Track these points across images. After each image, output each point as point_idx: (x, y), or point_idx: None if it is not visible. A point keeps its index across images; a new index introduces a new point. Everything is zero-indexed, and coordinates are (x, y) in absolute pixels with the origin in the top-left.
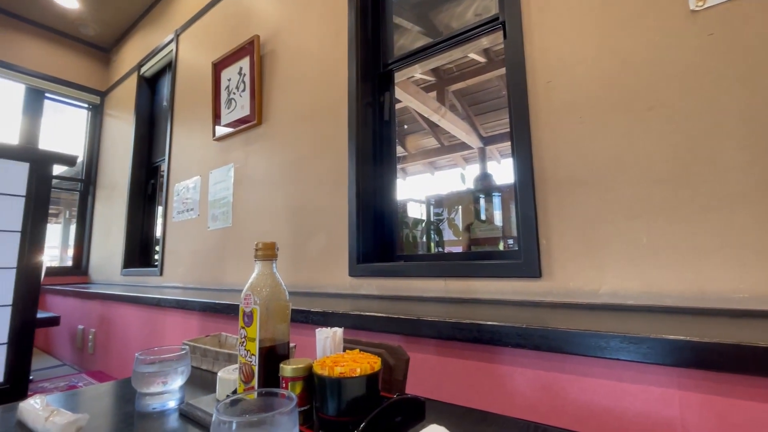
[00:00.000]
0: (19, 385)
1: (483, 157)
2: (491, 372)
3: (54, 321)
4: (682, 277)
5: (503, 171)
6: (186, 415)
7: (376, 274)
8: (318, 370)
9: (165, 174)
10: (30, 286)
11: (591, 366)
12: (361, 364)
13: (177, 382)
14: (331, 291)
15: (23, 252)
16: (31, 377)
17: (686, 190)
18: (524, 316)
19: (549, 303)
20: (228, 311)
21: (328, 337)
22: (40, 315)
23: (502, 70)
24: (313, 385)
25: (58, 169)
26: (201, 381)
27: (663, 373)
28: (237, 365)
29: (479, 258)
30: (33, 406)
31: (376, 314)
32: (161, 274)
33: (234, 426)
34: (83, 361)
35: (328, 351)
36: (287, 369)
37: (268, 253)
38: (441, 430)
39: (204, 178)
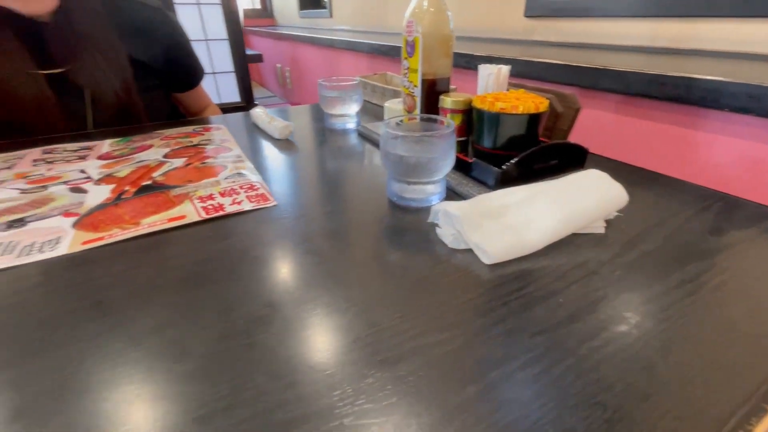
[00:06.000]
0: (249, 103)
1: None
2: (685, 139)
3: (258, 58)
4: None
5: None
6: (361, 134)
7: (559, 14)
8: (478, 104)
9: None
10: (234, 23)
11: None
12: (525, 102)
13: (353, 107)
14: (500, 36)
15: None
16: (255, 102)
17: None
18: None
19: None
20: (392, 53)
21: (492, 74)
22: (247, 52)
23: None
24: (471, 119)
25: None
26: (371, 112)
27: None
28: (399, 99)
29: None
30: (258, 113)
31: (549, 61)
32: (331, 15)
33: (400, 139)
34: (286, 94)
35: (490, 89)
36: (447, 101)
37: None
38: (602, 176)
39: None
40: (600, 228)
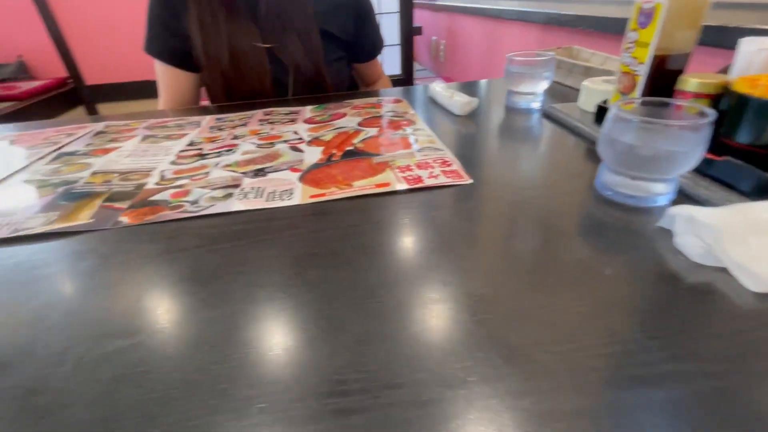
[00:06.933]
0: (408, 76)
1: None
2: None
3: (418, 30)
4: None
5: None
6: (548, 115)
7: None
8: (744, 88)
9: None
10: None
11: None
12: None
13: (542, 85)
14: None
15: None
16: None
17: None
18: None
19: None
20: (574, 24)
21: (764, 50)
22: None
23: None
24: (720, 106)
25: None
26: (552, 91)
27: None
28: (602, 78)
29: None
30: (437, 89)
31: None
32: None
33: (635, 125)
34: (437, 67)
35: (755, 69)
36: (692, 82)
37: None
38: None
39: None
40: None
